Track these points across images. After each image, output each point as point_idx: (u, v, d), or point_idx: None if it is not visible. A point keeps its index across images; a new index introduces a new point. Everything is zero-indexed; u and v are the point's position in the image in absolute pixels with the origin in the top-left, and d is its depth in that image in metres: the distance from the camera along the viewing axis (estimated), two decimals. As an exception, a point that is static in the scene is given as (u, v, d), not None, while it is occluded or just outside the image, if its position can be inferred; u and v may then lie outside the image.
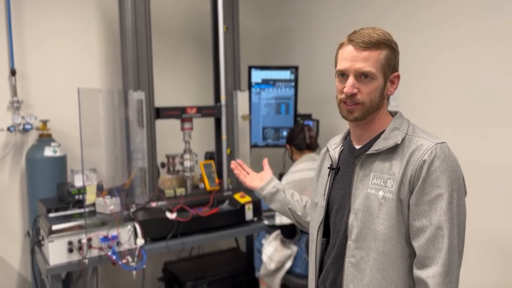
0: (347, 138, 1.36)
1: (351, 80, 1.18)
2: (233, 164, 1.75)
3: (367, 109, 1.20)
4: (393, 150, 1.19)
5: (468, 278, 2.21)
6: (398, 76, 1.24)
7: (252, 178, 1.69)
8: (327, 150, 1.40)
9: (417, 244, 1.14)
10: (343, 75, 1.21)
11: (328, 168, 1.36)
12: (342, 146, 1.36)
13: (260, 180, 1.67)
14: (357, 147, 1.29)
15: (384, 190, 1.18)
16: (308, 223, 1.49)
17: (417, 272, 1.13)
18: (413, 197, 1.14)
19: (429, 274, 1.10)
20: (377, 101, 1.21)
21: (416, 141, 1.17)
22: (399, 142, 1.18)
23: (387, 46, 1.19)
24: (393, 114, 1.29)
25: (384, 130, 1.24)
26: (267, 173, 1.69)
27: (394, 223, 1.16)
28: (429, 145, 1.14)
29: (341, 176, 1.30)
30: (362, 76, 1.18)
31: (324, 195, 1.34)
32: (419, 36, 2.46)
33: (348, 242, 1.23)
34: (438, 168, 1.12)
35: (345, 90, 1.19)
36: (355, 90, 1.18)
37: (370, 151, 1.21)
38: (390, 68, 1.21)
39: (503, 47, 2.09)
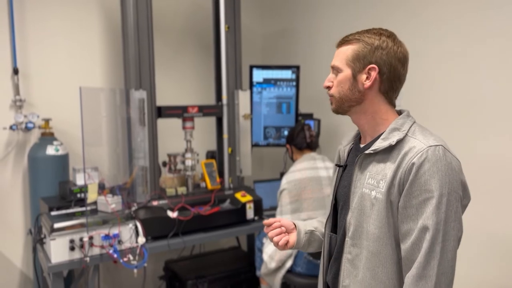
0: (358, 135, 1.38)
1: (329, 75, 1.30)
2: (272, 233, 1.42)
3: (338, 101, 1.27)
4: (389, 151, 1.19)
5: (468, 276, 2.21)
6: (374, 68, 1.21)
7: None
8: (341, 146, 1.43)
9: (403, 247, 1.14)
10: None
11: (336, 165, 1.39)
12: (353, 143, 1.38)
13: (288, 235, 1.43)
14: (362, 145, 1.31)
15: (376, 190, 1.18)
16: None
17: (404, 276, 1.14)
18: (401, 200, 1.13)
19: (408, 275, 1.11)
20: (348, 94, 1.24)
21: (410, 143, 1.16)
22: (393, 144, 1.17)
23: (358, 41, 1.23)
24: (402, 113, 1.28)
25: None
26: (285, 222, 1.44)
27: (384, 224, 1.16)
28: (421, 148, 1.13)
29: (346, 174, 1.32)
30: (334, 71, 1.28)
31: (333, 191, 1.37)
32: (422, 35, 2.46)
33: (346, 239, 1.26)
34: (427, 171, 1.10)
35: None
36: (328, 83, 1.29)
37: (367, 151, 1.22)
38: (360, 60, 1.21)
39: (506, 46, 2.09)
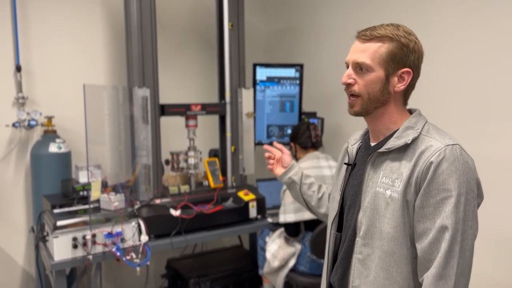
0: (366, 134, 1.36)
1: (348, 70, 1.22)
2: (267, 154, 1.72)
3: (366, 103, 1.20)
4: (403, 150, 1.18)
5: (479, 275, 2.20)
6: (409, 72, 1.20)
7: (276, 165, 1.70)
8: (348, 145, 1.40)
9: (420, 246, 1.12)
10: (348, 67, 1.24)
11: (345, 163, 1.37)
12: (361, 142, 1.37)
13: (281, 166, 1.67)
14: (372, 144, 1.29)
15: (392, 189, 1.17)
16: (322, 214, 1.58)
17: (420, 275, 1.13)
18: (418, 199, 1.12)
19: (426, 274, 1.10)
20: (378, 95, 1.20)
21: (426, 142, 1.15)
22: (409, 142, 1.16)
23: (392, 40, 1.18)
24: (412, 112, 1.27)
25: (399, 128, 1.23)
26: (286, 158, 1.67)
27: (399, 223, 1.15)
28: (438, 147, 1.11)
29: (356, 173, 1.30)
30: (358, 67, 1.20)
31: (340, 190, 1.35)
32: (426, 34, 2.44)
33: (357, 239, 1.24)
34: (446, 170, 1.09)
35: (341, 80, 1.22)
36: (350, 80, 1.21)
37: (381, 149, 1.21)
38: (395, 62, 1.18)
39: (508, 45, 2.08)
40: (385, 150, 1.20)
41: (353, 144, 1.38)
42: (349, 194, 1.30)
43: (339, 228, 1.34)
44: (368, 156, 1.26)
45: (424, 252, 1.11)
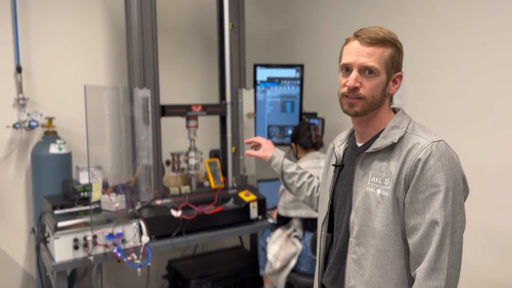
0: (352, 135, 1.37)
1: (354, 74, 1.20)
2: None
3: (368, 105, 1.21)
4: (391, 149, 1.20)
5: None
6: (401, 76, 1.25)
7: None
8: (334, 146, 1.41)
9: (411, 241, 1.14)
10: (347, 69, 1.23)
11: (333, 165, 1.38)
12: (347, 143, 1.38)
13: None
14: (359, 144, 1.31)
15: (382, 188, 1.19)
16: (302, 200, 1.71)
17: (412, 270, 1.15)
18: (408, 196, 1.14)
19: (419, 268, 1.11)
20: (379, 98, 1.22)
21: (413, 140, 1.18)
22: (396, 141, 1.19)
23: (392, 45, 1.21)
24: (396, 111, 1.29)
25: (384, 128, 1.24)
26: (265, 146, 1.89)
27: (391, 221, 1.17)
28: (425, 144, 1.14)
29: (344, 174, 1.32)
30: (366, 71, 1.20)
31: (329, 191, 1.36)
32: (426, 35, 2.45)
33: (350, 239, 1.26)
34: (433, 166, 1.11)
35: (348, 83, 1.20)
36: (357, 84, 1.20)
37: (369, 149, 1.23)
38: (394, 66, 1.22)
39: (509, 45, 2.07)
40: (373, 150, 1.21)
41: (339, 145, 1.39)
42: (339, 195, 1.32)
43: (330, 229, 1.35)
44: (356, 156, 1.27)
45: (415, 247, 1.13)
